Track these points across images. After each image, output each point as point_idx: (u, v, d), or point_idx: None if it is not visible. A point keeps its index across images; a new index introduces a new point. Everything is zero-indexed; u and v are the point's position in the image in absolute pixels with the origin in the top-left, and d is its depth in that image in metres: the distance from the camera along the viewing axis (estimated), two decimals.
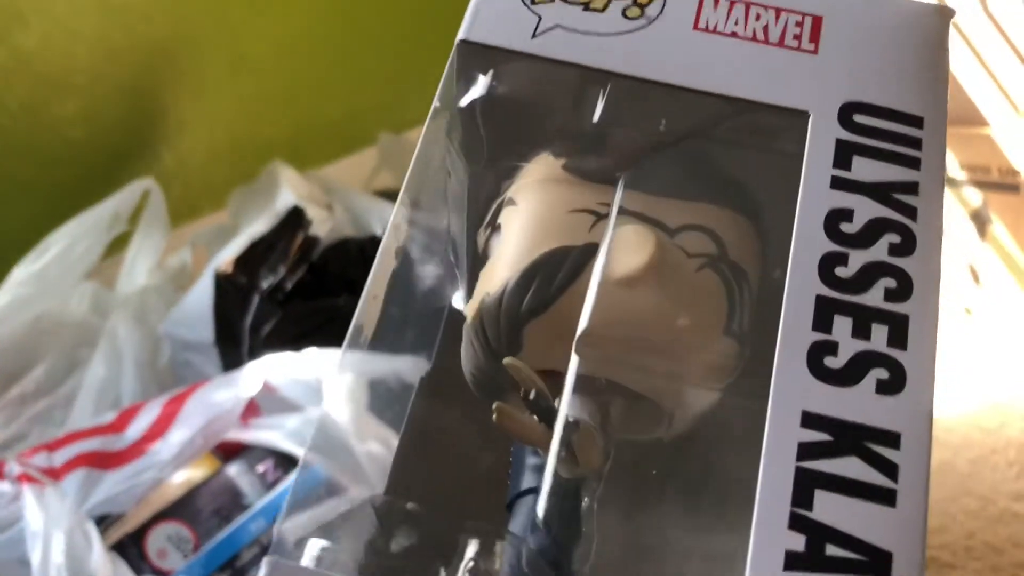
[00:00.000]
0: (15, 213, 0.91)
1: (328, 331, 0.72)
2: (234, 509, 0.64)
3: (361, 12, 1.14)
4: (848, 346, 0.24)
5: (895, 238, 0.25)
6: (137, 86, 0.98)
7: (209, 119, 1.04)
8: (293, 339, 0.70)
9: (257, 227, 0.75)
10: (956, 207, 0.80)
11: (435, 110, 0.29)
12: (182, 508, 0.62)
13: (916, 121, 0.27)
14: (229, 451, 0.67)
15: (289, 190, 0.78)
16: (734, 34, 0.29)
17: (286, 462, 0.66)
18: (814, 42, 0.28)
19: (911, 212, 0.26)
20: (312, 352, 0.65)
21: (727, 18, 0.29)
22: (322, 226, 0.78)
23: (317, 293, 0.76)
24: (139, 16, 0.96)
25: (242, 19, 1.05)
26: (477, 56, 0.29)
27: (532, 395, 0.27)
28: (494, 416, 0.26)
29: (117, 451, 0.62)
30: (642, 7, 0.29)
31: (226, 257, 0.74)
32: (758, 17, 0.29)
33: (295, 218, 0.76)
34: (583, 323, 0.26)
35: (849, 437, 0.22)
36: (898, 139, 0.27)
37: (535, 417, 0.27)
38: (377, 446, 0.64)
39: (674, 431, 0.28)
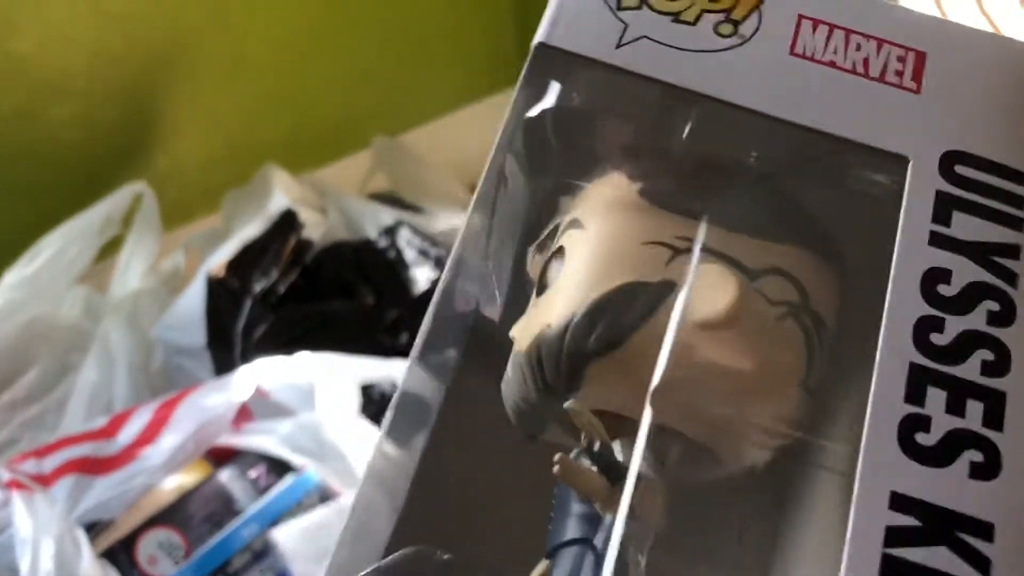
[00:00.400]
0: (9, 217, 0.90)
1: (321, 335, 0.72)
2: (226, 515, 0.63)
3: (357, 15, 1.14)
4: (941, 422, 0.22)
5: (994, 305, 0.24)
6: (133, 90, 0.98)
7: (205, 122, 1.04)
8: (286, 343, 0.70)
9: (250, 230, 0.75)
10: None
11: (509, 118, 0.27)
12: (173, 514, 0.62)
13: (1018, 177, 0.25)
14: (221, 456, 0.67)
15: (282, 193, 0.77)
16: (832, 63, 0.27)
17: (279, 467, 0.66)
18: (916, 80, 0.27)
19: (1011, 277, 0.24)
20: (304, 356, 0.65)
21: (826, 45, 0.27)
22: (315, 229, 0.78)
23: (310, 297, 0.75)
24: (138, 21, 0.96)
25: (240, 23, 1.05)
26: (553, 61, 0.27)
27: (594, 446, 0.25)
28: (555, 468, 0.25)
29: (108, 456, 0.62)
30: (736, 24, 0.27)
31: (218, 261, 0.74)
32: (859, 47, 0.27)
33: (288, 221, 0.76)
34: (659, 373, 0.25)
35: (940, 524, 0.21)
36: (1000, 195, 0.25)
37: (595, 468, 0.25)
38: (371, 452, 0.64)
39: (721, 476, 0.26)
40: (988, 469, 0.22)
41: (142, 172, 0.96)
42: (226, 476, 0.65)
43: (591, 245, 0.27)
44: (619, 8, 0.27)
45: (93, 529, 0.60)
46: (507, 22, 1.30)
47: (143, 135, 0.99)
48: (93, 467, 0.60)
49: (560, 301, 0.26)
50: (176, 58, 1.00)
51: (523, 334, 0.27)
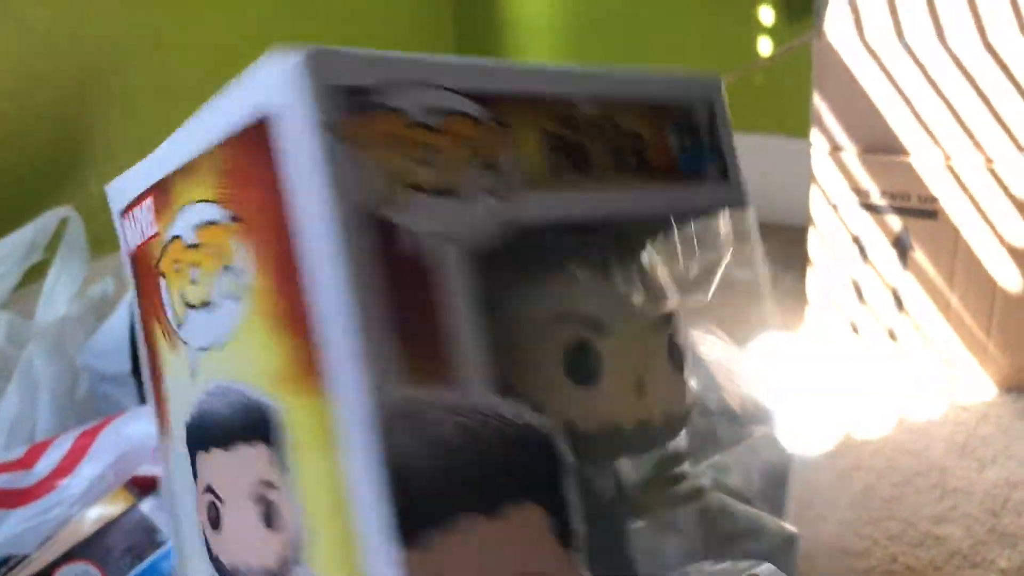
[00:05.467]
0: None
1: None
2: (148, 546, 0.61)
3: (293, 34, 1.13)
4: None
5: None
6: (63, 112, 0.96)
7: (139, 144, 1.02)
8: None
9: None
10: (878, 234, 0.81)
11: None
12: (91, 547, 0.60)
13: None
14: (144, 486, 0.65)
15: None
16: None
17: None
18: None
19: None
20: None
21: None
22: None
23: None
24: (65, 41, 0.95)
25: (174, 42, 1.04)
26: None
27: None
28: None
29: (24, 488, 0.60)
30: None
31: None
32: None
33: None
34: None
35: None
36: None
37: None
38: None
39: None
40: None
41: (73, 196, 0.94)
42: (148, 507, 0.63)
43: None
44: None
45: (6, 564, 0.58)
46: (447, 28, 1.31)
47: (74, 158, 0.98)
48: (7, 499, 0.59)
49: None
50: (107, 79, 0.98)
51: None
